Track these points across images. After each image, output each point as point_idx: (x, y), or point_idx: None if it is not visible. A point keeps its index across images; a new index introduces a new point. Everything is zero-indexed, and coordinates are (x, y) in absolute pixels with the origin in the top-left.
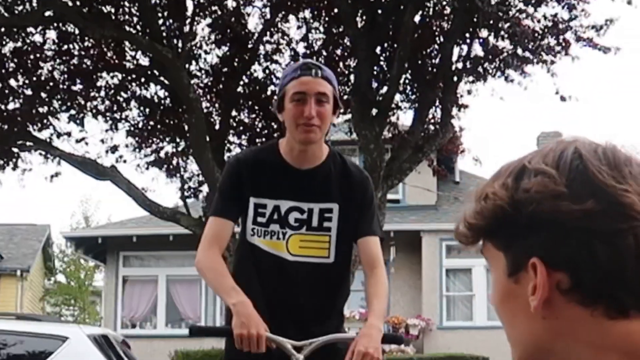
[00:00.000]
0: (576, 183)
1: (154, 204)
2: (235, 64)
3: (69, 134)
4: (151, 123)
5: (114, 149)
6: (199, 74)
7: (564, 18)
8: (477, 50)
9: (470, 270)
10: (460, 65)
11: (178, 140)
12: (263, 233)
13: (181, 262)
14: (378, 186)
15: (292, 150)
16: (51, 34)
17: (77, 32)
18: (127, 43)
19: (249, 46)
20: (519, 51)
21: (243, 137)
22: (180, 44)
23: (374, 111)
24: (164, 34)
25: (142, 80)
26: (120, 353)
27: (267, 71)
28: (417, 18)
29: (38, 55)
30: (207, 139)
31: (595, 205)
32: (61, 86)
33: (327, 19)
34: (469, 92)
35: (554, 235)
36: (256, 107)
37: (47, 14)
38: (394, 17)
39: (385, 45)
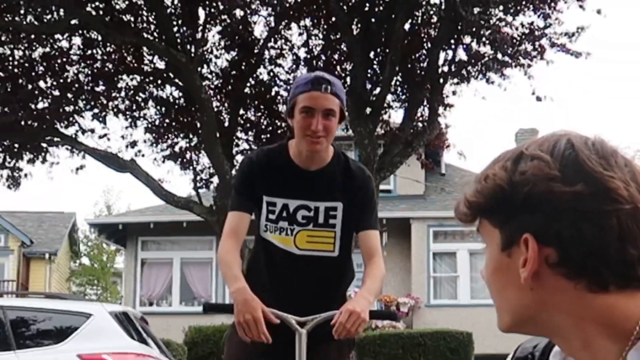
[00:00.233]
0: (568, 168)
1: (169, 194)
2: (243, 67)
3: (92, 131)
4: (167, 121)
5: (133, 144)
6: (209, 76)
7: (540, 26)
8: (461, 55)
9: (455, 254)
10: (446, 68)
11: (191, 136)
12: (273, 229)
13: (194, 246)
14: (373, 177)
15: (300, 153)
16: (76, 40)
17: (99, 38)
18: (145, 48)
19: (255, 51)
20: (499, 56)
21: (250, 133)
22: (193, 49)
23: (368, 110)
24: (179, 40)
25: (159, 82)
26: (139, 328)
27: (271, 74)
28: (407, 26)
29: (64, 59)
30: (217, 135)
31: (584, 188)
32: (85, 87)
33: (325, 26)
34: (454, 92)
35: (546, 214)
36: (262, 107)
37: (72, 22)
38: (386, 26)
39: (378, 50)
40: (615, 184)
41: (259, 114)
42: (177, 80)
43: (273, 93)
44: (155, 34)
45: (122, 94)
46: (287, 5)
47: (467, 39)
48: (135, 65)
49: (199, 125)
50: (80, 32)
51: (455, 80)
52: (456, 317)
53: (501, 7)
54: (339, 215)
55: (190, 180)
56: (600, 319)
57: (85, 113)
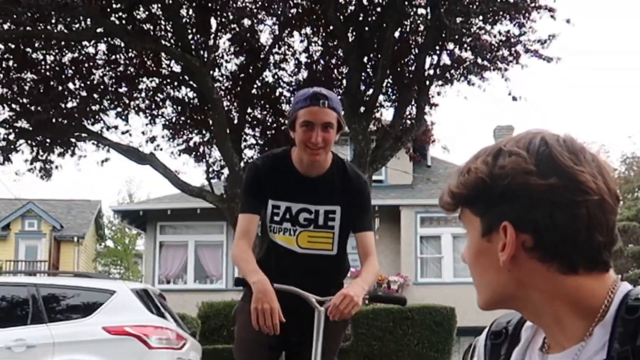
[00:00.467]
0: (543, 163)
1: (185, 184)
2: (250, 70)
3: (116, 127)
4: (182, 118)
5: (153, 139)
6: (220, 78)
7: (515, 34)
8: (445, 59)
9: (440, 237)
10: (431, 71)
11: (204, 132)
12: (277, 229)
13: (207, 230)
14: (365, 169)
15: (302, 161)
16: (102, 47)
17: (122, 45)
18: (163, 54)
19: (261, 56)
20: (479, 60)
21: (256, 130)
22: (205, 55)
23: (362, 109)
24: (193, 47)
25: (175, 84)
26: (157, 304)
27: (275, 76)
28: (396, 34)
29: (91, 63)
30: (227, 131)
31: (557, 181)
32: (110, 89)
33: (324, 34)
34: (439, 93)
35: (524, 204)
36: (267, 106)
37: (98, 30)
38: (378, 33)
39: (371, 55)
40: (584, 177)
41: (265, 112)
42: (191, 82)
43: (277, 94)
44: (172, 40)
45: (143, 94)
46: (290, 15)
47: (450, 46)
48: (154, 68)
49: (211, 122)
50: (105, 39)
51: (440, 82)
52: (441, 293)
53: (481, 17)
54: (338, 218)
55: (203, 171)
56: (569, 298)
57: (109, 111)
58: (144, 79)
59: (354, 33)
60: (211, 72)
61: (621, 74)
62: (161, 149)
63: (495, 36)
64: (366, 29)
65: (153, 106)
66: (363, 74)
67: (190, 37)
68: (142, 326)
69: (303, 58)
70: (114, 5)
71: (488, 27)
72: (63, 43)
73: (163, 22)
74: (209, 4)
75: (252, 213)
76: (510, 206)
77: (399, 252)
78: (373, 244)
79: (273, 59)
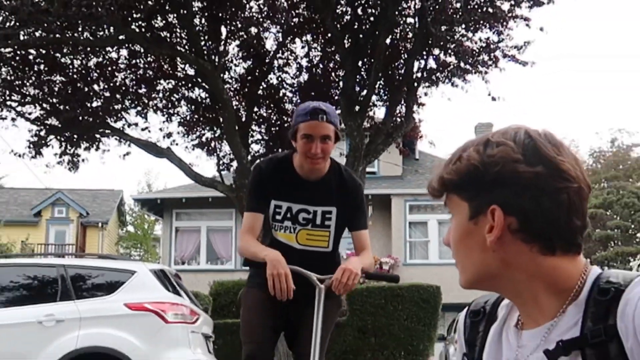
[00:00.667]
0: (528, 153)
1: (198, 175)
2: (256, 73)
3: (136, 124)
4: (196, 116)
5: (169, 135)
6: (230, 81)
7: (494, 40)
8: (431, 63)
9: (427, 223)
10: (419, 74)
11: (215, 129)
12: (279, 227)
13: (218, 217)
14: (360, 162)
15: (302, 166)
16: (123, 52)
17: (142, 50)
18: (178, 58)
19: (266, 61)
20: (462, 65)
21: (262, 127)
22: (216, 59)
23: (357, 108)
24: (205, 52)
25: (189, 85)
26: (174, 283)
27: (279, 79)
28: (388, 40)
29: (114, 67)
30: (236, 128)
31: (543, 169)
32: (130, 90)
33: (323, 41)
34: (426, 94)
35: (512, 190)
36: (272, 105)
37: (120, 37)
38: (371, 40)
39: (365, 60)
40: (566, 166)
41: (270, 111)
42: (204, 84)
43: (281, 94)
44: (186, 46)
45: (160, 95)
46: (292, 24)
47: (436, 51)
48: (171, 72)
49: (221, 120)
50: (126, 45)
51: (427, 84)
52: (427, 273)
53: (463, 26)
54: (333, 218)
55: (214, 164)
56: (547, 277)
57: (130, 110)
58: (161, 81)
59: (350, 40)
60: (221, 75)
61: (589, 76)
62: (177, 144)
63: (476, 42)
64: (360, 36)
65: (169, 105)
66: (358, 76)
67: (202, 43)
68: (160, 303)
69: (304, 62)
70: (134, 15)
71: (470, 34)
72: (89, 49)
73: (178, 30)
74: (220, 14)
75: (256, 212)
76: (499, 191)
77: (389, 236)
78: (368, 240)
79: (277, 63)
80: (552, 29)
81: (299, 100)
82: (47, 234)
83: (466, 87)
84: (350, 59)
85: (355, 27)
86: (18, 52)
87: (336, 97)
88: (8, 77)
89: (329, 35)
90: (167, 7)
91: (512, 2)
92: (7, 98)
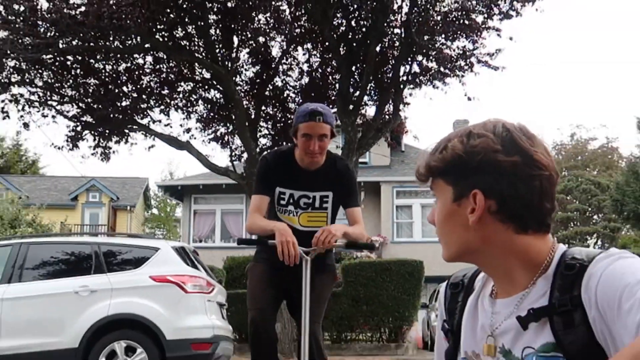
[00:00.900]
0: (506, 144)
1: (213, 165)
2: (264, 77)
3: (160, 121)
4: (211, 114)
5: (188, 130)
6: (241, 83)
7: (470, 48)
8: (415, 68)
9: (412, 207)
10: (405, 78)
11: (228, 125)
12: (283, 211)
13: (230, 201)
14: (353, 153)
15: (302, 159)
16: (149, 58)
17: (165, 57)
18: (196, 64)
19: (272, 66)
20: (442, 69)
21: (269, 123)
22: (229, 65)
23: (351, 107)
24: (219, 58)
25: (206, 87)
26: (192, 258)
27: (284, 81)
28: (378, 48)
29: (140, 71)
30: (246, 124)
31: (519, 159)
32: (155, 91)
33: (321, 49)
34: (410, 94)
35: (492, 176)
36: (277, 104)
37: (146, 45)
38: (363, 48)
39: (358, 65)
40: (539, 156)
41: (275, 109)
42: (218, 86)
43: (285, 95)
44: (203, 54)
45: (180, 95)
46: (295, 34)
47: (419, 58)
48: (190, 75)
49: (233, 117)
50: (151, 52)
51: (411, 86)
52: (412, 250)
53: (443, 35)
54: (330, 201)
55: (227, 155)
56: (520, 254)
57: (154, 109)
58: (182, 84)
59: (345, 48)
60: (233, 78)
61: (552, 79)
62: (195, 138)
63: (454, 50)
64: (354, 44)
65: (188, 105)
66: (351, 79)
67: (217, 51)
68: (180, 275)
69: (305, 67)
70: (158, 26)
71: (449, 43)
72: (119, 55)
73: (196, 39)
74: (232, 25)
75: (263, 194)
76: (480, 177)
77: (379, 218)
78: (360, 216)
79: (281, 68)
80: (521, 38)
81: (300, 100)
82: (83, 216)
83: (445, 88)
84: (345, 65)
85: (350, 36)
86: (57, 59)
87: (333, 98)
88: (49, 80)
89: (327, 43)
90: (186, 20)
91: (485, 15)
92: (48, 98)
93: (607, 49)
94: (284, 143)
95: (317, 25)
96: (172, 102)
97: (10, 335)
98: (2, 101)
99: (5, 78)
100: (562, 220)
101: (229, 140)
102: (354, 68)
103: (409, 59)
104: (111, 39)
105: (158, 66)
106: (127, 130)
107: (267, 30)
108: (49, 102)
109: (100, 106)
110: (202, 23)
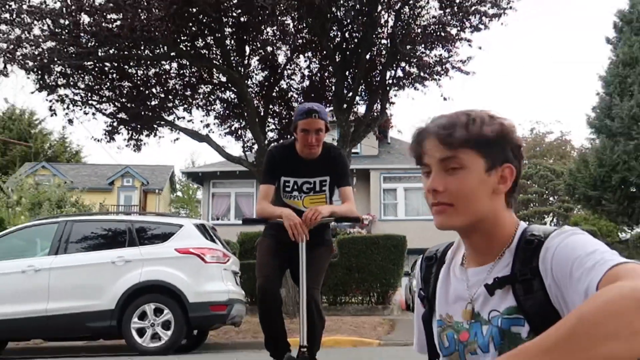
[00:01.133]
0: (514, 128)
1: (228, 154)
2: (271, 80)
3: (183, 117)
4: (227, 112)
5: (207, 125)
6: (252, 86)
7: (445, 56)
8: (400, 73)
9: (396, 190)
10: (390, 81)
11: (241, 121)
12: (289, 197)
13: (243, 185)
14: (347, 145)
15: (302, 150)
16: (174, 65)
17: (187, 63)
18: (214, 69)
19: (278, 71)
20: (422, 74)
21: (275, 119)
22: (242, 70)
23: (345, 106)
24: (234, 65)
25: (222, 89)
26: (211, 233)
27: (288, 84)
28: (367, 56)
29: (167, 76)
30: (256, 120)
31: (521, 142)
32: (179, 92)
33: (320, 56)
34: (395, 95)
35: (514, 153)
36: (282, 103)
37: (172, 54)
38: (355, 56)
39: (351, 71)
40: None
41: (281, 107)
42: (233, 88)
43: (289, 95)
44: (220, 61)
45: (201, 96)
46: (297, 44)
47: (403, 64)
48: (208, 79)
49: (245, 114)
50: (176, 59)
51: (396, 88)
52: (396, 226)
53: (423, 45)
54: (327, 184)
55: (240, 146)
56: (501, 228)
57: (179, 107)
58: (202, 86)
59: (339, 56)
60: (246, 81)
61: (515, 81)
62: (213, 132)
63: (432, 58)
64: (347, 53)
65: (207, 104)
66: (345, 82)
67: (232, 58)
68: (200, 248)
69: (306, 72)
70: (182, 38)
71: (428, 51)
72: (148, 62)
73: (214, 49)
74: (244, 37)
75: (269, 184)
76: (509, 153)
77: (369, 200)
78: (351, 194)
79: (286, 73)
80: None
81: (302, 100)
82: (118, 198)
83: (425, 90)
84: (339, 70)
85: (344, 46)
86: (97, 65)
87: (329, 98)
88: (89, 83)
89: (325, 52)
90: (206, 32)
91: (459, 28)
92: (89, 98)
93: (563, 52)
94: (288, 136)
95: (317, 37)
96: (194, 101)
97: (57, 298)
98: (50, 101)
99: (53, 81)
100: (523, 202)
101: (241, 134)
102: (347, 73)
103: (394, 65)
104: (142, 48)
105: (182, 71)
106: (155, 126)
107: (274, 41)
108: (90, 102)
109: (133, 105)
110: (219, 35)
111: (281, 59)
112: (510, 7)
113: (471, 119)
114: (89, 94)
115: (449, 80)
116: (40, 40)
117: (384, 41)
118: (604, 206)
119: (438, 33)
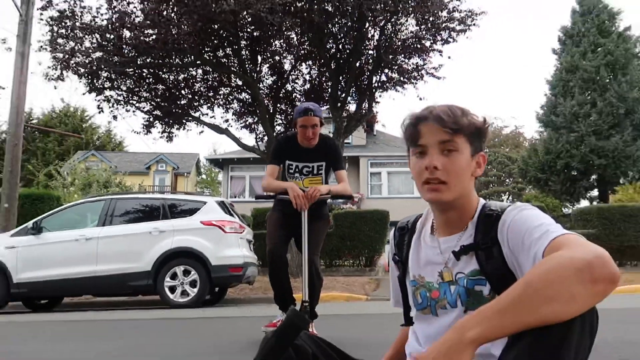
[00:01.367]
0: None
1: (244, 144)
2: (279, 84)
3: (207, 114)
4: (243, 109)
5: (227, 120)
6: (263, 88)
7: (421, 64)
8: (384, 78)
9: (381, 173)
10: (376, 85)
11: (254, 117)
12: (291, 177)
13: (256, 169)
14: (341, 137)
15: (302, 142)
16: (199, 71)
17: (210, 70)
18: (232, 75)
19: (285, 76)
20: (402, 79)
21: (282, 116)
22: (255, 75)
23: (339, 105)
24: (248, 71)
25: (239, 91)
26: (229, 209)
27: (292, 87)
28: (357, 64)
29: (193, 80)
30: (267, 117)
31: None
32: (204, 94)
33: (318, 65)
34: (380, 96)
35: (485, 143)
36: (288, 103)
37: (197, 62)
38: (347, 64)
39: (344, 76)
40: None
41: (287, 106)
42: (247, 90)
43: (294, 96)
44: (237, 67)
45: (221, 97)
46: (300, 54)
47: (386, 71)
48: (227, 83)
49: (258, 112)
50: (201, 67)
51: (381, 90)
52: (381, 203)
53: (402, 55)
54: (324, 168)
55: (254, 138)
56: (469, 203)
57: (203, 106)
58: (222, 89)
59: (335, 64)
60: (258, 85)
61: (477, 83)
62: (231, 126)
63: (410, 65)
64: (341, 61)
65: (227, 103)
66: (339, 86)
67: (246, 65)
68: (221, 220)
69: (307, 77)
70: (206, 49)
71: (406, 60)
72: (178, 69)
73: (232, 58)
74: (257, 48)
75: (276, 165)
76: (484, 144)
77: (358, 181)
78: (345, 177)
79: (291, 77)
80: (457, 56)
81: (304, 100)
82: (154, 180)
83: (404, 92)
84: (334, 75)
85: (338, 56)
86: (136, 71)
87: (326, 98)
88: (130, 86)
89: (322, 61)
90: (225, 44)
91: (432, 41)
92: (130, 99)
93: (517, 60)
94: (293, 129)
95: (316, 48)
96: (215, 101)
97: (104, 262)
98: (98, 101)
99: (100, 85)
100: (484, 183)
101: (254, 128)
102: (341, 78)
103: (379, 71)
104: (173, 57)
105: (206, 76)
106: (184, 121)
107: (281, 52)
108: (130, 101)
109: (165, 104)
110: (236, 47)
111: (287, 66)
112: (475, 24)
113: (464, 111)
114: (130, 95)
115: (424, 84)
116: (90, 51)
117: (370, 52)
118: (550, 186)
119: (415, 45)
